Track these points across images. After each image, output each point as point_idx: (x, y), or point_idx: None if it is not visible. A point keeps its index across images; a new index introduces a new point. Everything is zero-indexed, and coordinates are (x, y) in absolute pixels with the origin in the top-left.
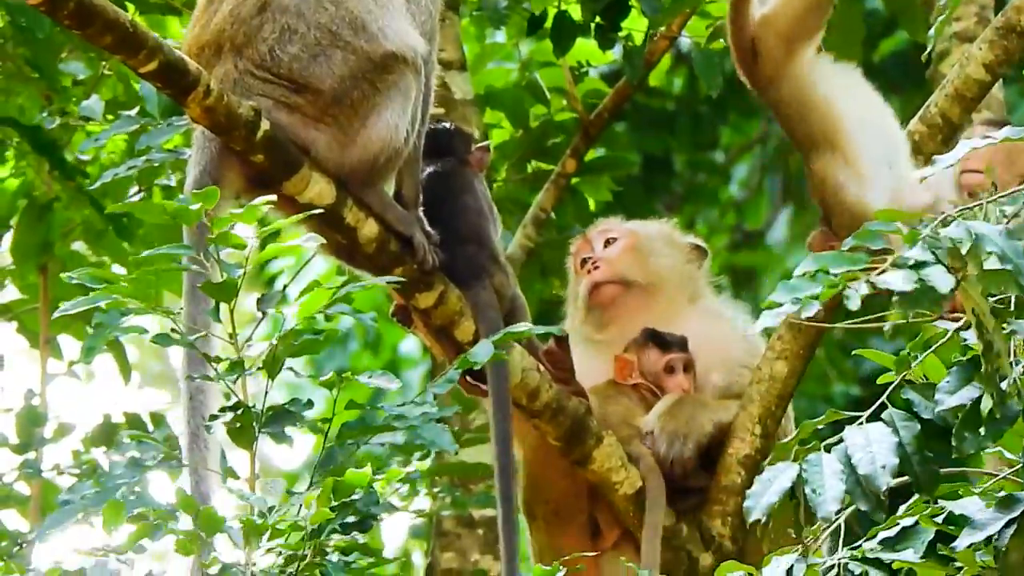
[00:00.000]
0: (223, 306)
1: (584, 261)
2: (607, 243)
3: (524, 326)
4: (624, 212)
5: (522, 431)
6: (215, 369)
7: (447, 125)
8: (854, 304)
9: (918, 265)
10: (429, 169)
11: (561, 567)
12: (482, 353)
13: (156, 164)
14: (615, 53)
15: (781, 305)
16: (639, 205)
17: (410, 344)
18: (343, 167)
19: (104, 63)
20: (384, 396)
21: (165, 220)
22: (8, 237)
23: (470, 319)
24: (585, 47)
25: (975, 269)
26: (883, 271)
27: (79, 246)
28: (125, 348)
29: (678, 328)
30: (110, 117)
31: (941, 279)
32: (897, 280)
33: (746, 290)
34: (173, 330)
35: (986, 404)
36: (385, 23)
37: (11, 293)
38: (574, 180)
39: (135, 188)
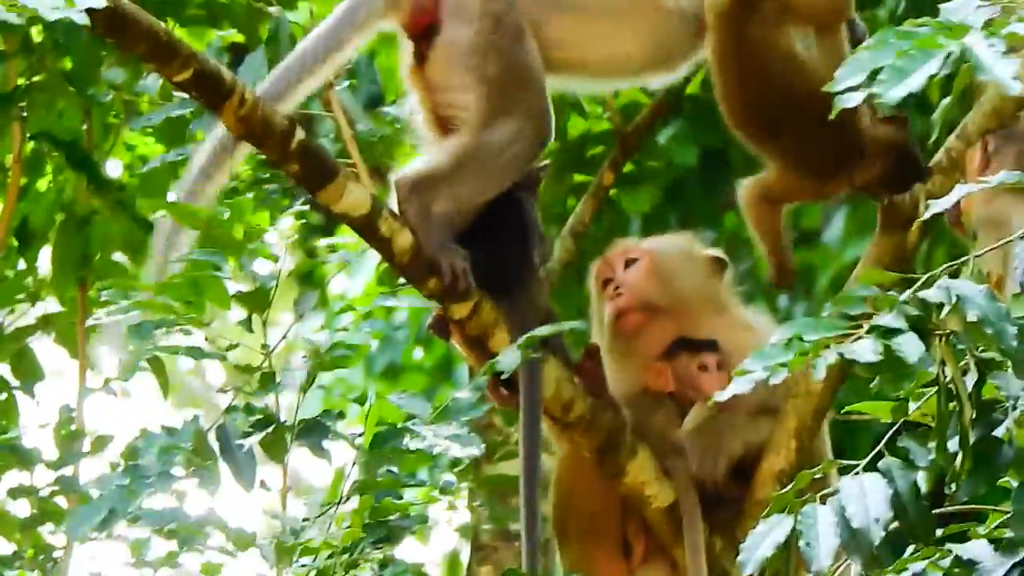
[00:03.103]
0: (255, 317)
1: (606, 283)
2: (627, 264)
3: (551, 328)
4: (679, 208)
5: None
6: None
7: None
8: (819, 374)
9: (890, 332)
10: None
11: None
12: (509, 359)
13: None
14: None
15: (752, 372)
16: (696, 201)
17: None
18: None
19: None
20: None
21: (199, 226)
22: (47, 250)
23: (504, 330)
24: None
25: (958, 326)
26: (855, 339)
27: (119, 257)
28: (164, 364)
29: None
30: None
31: (911, 348)
32: (864, 351)
33: (803, 288)
34: (198, 350)
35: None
36: None
37: (51, 306)
38: (612, 192)
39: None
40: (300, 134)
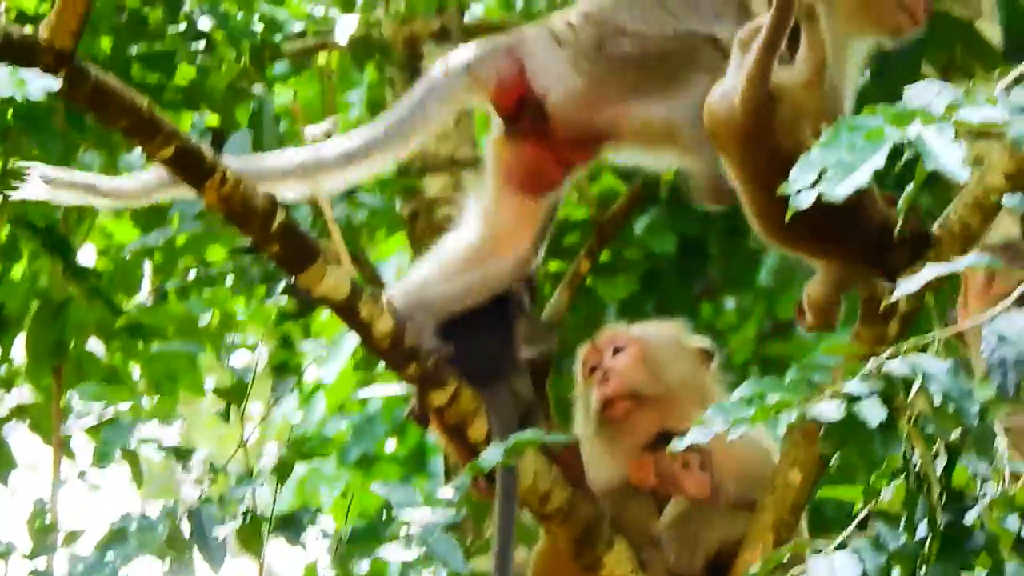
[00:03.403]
0: (233, 408)
1: (593, 369)
2: (616, 351)
3: (535, 433)
4: (656, 296)
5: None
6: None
7: None
8: (780, 431)
9: (853, 399)
10: None
11: None
12: (492, 457)
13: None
14: None
15: (713, 425)
16: (672, 290)
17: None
18: None
19: (120, 157)
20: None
21: (175, 326)
22: (21, 337)
23: (484, 418)
24: None
25: (926, 407)
26: (817, 401)
27: (94, 344)
28: (138, 455)
29: None
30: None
31: (872, 413)
32: (826, 411)
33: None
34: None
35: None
36: None
37: (25, 394)
38: (589, 280)
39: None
40: (282, 215)
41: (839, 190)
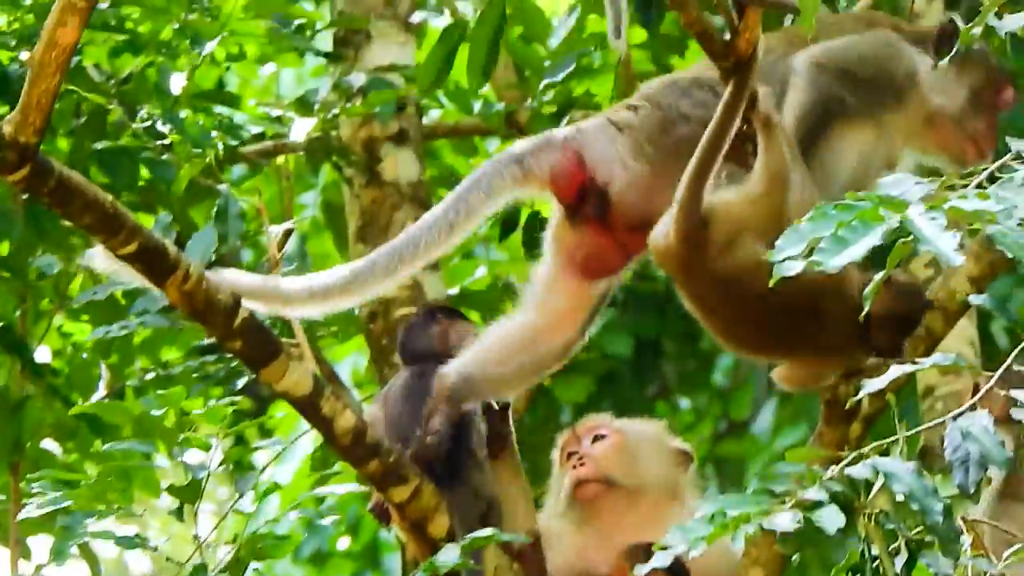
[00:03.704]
0: (187, 507)
1: (570, 455)
2: (595, 439)
3: (493, 531)
4: (613, 397)
5: None
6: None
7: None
8: (738, 544)
9: (813, 506)
10: (413, 368)
11: None
12: (449, 558)
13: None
14: None
15: (674, 546)
16: (628, 390)
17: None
18: None
19: (78, 261)
20: None
21: (131, 423)
22: None
23: (445, 514)
24: None
25: (887, 504)
26: (777, 512)
27: (50, 444)
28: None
29: (660, 533)
30: (84, 317)
31: (830, 521)
32: (782, 522)
33: (731, 480)
34: (138, 535)
35: None
36: None
37: None
38: (546, 381)
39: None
40: (245, 311)
41: (833, 261)
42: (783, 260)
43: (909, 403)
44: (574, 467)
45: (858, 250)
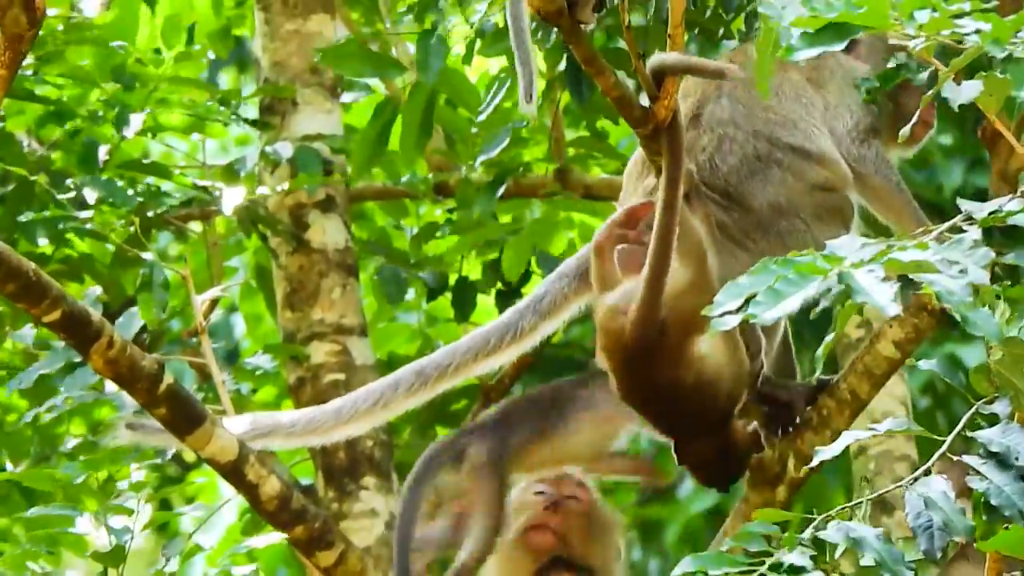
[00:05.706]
0: (111, 572)
1: (541, 492)
2: (569, 497)
3: None
4: None
5: None
6: None
7: None
8: None
9: (796, 570)
10: None
11: None
12: None
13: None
14: None
15: None
16: None
17: None
18: None
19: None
20: None
21: (56, 490)
22: None
23: None
24: (486, 309)
25: (851, 568)
26: (758, 574)
27: None
28: None
29: None
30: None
31: None
32: None
33: (653, 542)
34: None
35: None
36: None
37: None
38: None
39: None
40: (168, 378)
41: (768, 315)
42: (720, 315)
43: (838, 463)
44: (544, 506)
45: (793, 302)
